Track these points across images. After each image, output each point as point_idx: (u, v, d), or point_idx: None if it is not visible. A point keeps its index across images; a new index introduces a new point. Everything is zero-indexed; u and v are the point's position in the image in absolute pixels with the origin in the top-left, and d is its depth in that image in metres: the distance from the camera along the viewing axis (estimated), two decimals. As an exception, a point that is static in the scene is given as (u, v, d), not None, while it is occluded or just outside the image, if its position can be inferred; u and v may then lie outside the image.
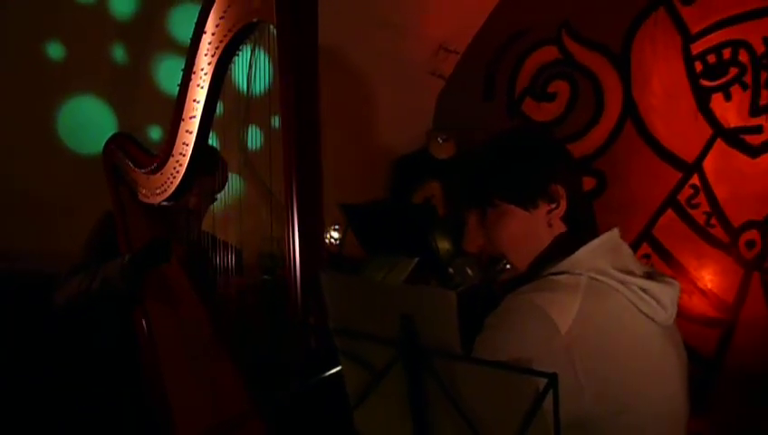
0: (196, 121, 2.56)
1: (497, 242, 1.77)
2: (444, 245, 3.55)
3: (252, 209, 3.55)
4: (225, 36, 2.42)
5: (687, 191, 4.47)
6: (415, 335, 1.34)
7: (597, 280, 1.64)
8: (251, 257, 3.38)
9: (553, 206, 1.74)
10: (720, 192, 4.37)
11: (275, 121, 2.38)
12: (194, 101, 2.55)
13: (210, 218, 3.09)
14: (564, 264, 1.67)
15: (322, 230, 2.41)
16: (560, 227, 1.76)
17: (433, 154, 5.04)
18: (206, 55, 2.49)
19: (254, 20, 2.26)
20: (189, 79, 2.56)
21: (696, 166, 4.43)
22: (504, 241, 1.77)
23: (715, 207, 4.38)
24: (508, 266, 1.77)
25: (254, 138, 3.32)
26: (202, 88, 2.53)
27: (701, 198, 4.43)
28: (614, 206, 4.62)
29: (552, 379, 1.23)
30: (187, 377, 2.56)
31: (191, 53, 2.53)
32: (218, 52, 2.45)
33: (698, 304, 4.38)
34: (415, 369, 1.37)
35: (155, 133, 3.97)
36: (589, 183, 4.72)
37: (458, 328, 1.31)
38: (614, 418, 1.60)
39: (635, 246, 4.56)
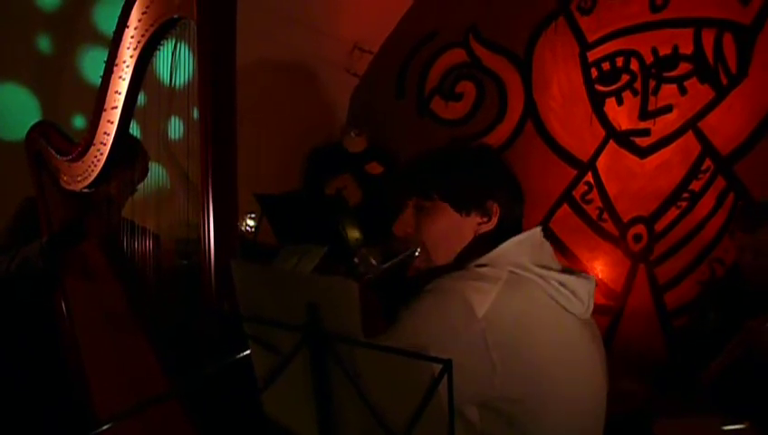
0: (118, 112, 2.52)
1: (424, 233, 1.78)
2: (353, 234, 3.56)
3: (171, 196, 3.50)
4: (146, 31, 2.39)
5: (582, 188, 4.57)
6: (319, 322, 1.35)
7: (516, 274, 1.66)
8: (169, 243, 3.33)
9: (485, 220, 1.76)
10: (611, 189, 4.48)
11: (195, 113, 2.36)
12: (116, 92, 2.51)
13: (131, 205, 3.04)
14: (487, 257, 1.70)
15: (236, 217, 2.39)
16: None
17: (346, 148, 5.05)
18: (128, 48, 2.45)
19: (176, 16, 2.23)
20: (111, 71, 2.52)
21: (590, 165, 4.53)
22: (430, 234, 1.78)
23: (607, 203, 4.49)
24: (416, 254, 1.78)
25: (174, 128, 3.27)
26: (124, 80, 2.49)
27: (594, 194, 4.53)
28: (514, 200, 4.68)
29: (447, 365, 1.23)
30: (104, 354, 2.51)
31: (114, 45, 2.49)
32: (140, 45, 2.41)
33: (590, 293, 4.47)
34: (319, 354, 1.37)
35: (78, 122, 3.88)
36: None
37: (360, 316, 1.31)
38: (527, 402, 1.62)
39: (533, 238, 4.63)
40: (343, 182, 4.98)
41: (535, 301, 1.66)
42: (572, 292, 1.69)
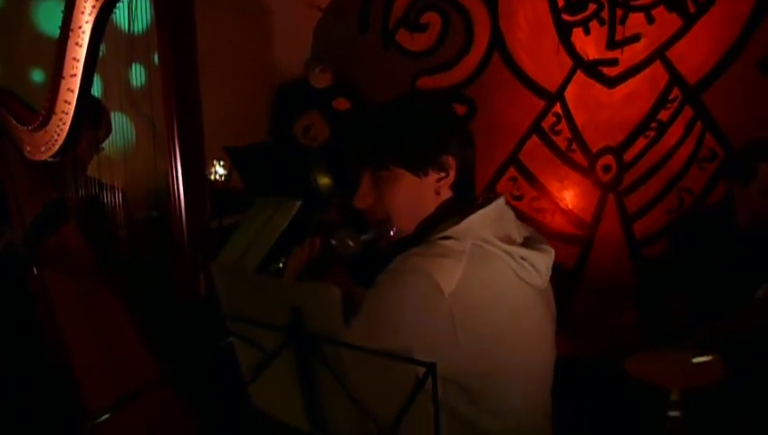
0: (77, 79, 2.44)
1: (386, 204, 1.76)
2: (324, 181, 3.52)
3: (137, 146, 3.44)
4: (102, -6, 2.30)
5: (550, 119, 4.55)
6: (303, 324, 1.35)
7: (480, 246, 1.66)
8: (139, 194, 3.28)
9: (443, 175, 1.73)
10: (580, 120, 4.46)
11: (156, 58, 2.29)
12: (73, 59, 2.42)
13: (96, 158, 2.99)
14: (452, 230, 1.68)
15: (204, 163, 2.36)
16: (446, 194, 1.76)
17: (312, 84, 4.95)
18: (83, 14, 2.36)
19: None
20: (67, 37, 2.42)
21: (558, 95, 4.50)
22: (392, 204, 1.75)
23: (576, 134, 4.48)
24: (392, 233, 1.76)
25: (136, 75, 3.20)
26: (81, 46, 2.40)
27: (563, 125, 4.51)
28: (483, 131, 4.63)
29: (431, 368, 1.25)
30: (86, 336, 2.48)
31: (67, 10, 2.39)
32: (95, 10, 2.33)
33: (560, 223, 4.51)
34: (304, 353, 1.38)
35: (37, 76, 3.76)
36: (459, 110, 4.74)
37: (343, 318, 1.32)
38: (487, 377, 1.65)
39: (502, 170, 4.65)
40: (311, 119, 4.90)
41: (498, 275, 1.67)
42: (532, 265, 1.71)
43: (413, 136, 1.73)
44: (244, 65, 4.78)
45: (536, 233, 1.84)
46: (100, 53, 2.48)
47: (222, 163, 4.00)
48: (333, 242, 1.80)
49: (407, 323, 1.58)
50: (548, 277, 1.78)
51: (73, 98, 2.46)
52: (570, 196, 4.53)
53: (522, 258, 1.70)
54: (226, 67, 4.34)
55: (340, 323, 1.32)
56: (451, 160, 1.73)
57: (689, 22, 4.06)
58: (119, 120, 2.97)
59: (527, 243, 1.75)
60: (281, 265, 1.87)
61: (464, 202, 1.77)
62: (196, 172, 2.24)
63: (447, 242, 1.67)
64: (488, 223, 1.71)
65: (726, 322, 3.10)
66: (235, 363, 1.54)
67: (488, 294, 1.65)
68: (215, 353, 1.51)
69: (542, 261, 1.74)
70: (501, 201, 1.78)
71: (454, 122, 1.82)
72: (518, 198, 4.62)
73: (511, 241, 1.71)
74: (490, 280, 1.66)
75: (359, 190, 1.79)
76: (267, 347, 1.42)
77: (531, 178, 4.62)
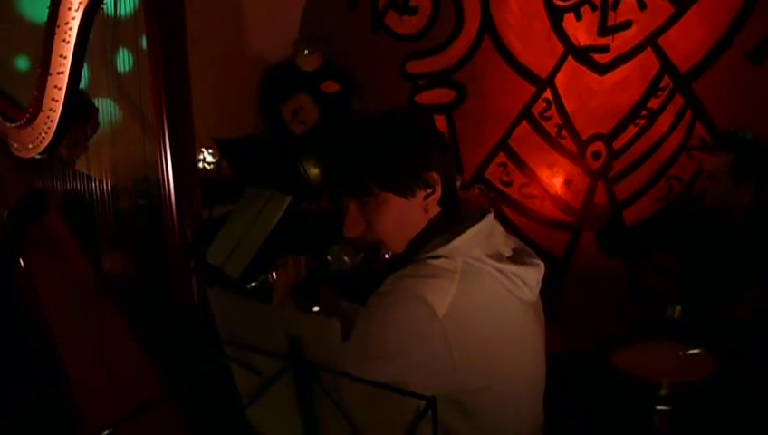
0: (65, 76, 2.38)
1: (376, 229, 1.73)
2: (314, 171, 3.48)
3: (125, 134, 3.38)
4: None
5: (541, 105, 4.51)
6: (302, 353, 1.33)
7: (471, 265, 1.65)
8: (127, 182, 3.24)
9: (429, 191, 1.71)
10: (570, 106, 4.43)
11: (144, 42, 2.24)
12: (60, 56, 2.36)
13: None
14: (443, 249, 1.67)
15: (194, 148, 2.32)
16: (435, 210, 1.74)
17: (300, 66, 4.89)
18: (69, 9, 2.30)
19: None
20: (53, 33, 2.36)
21: (549, 81, 4.46)
22: (382, 228, 1.73)
23: (566, 120, 4.44)
24: (387, 256, 1.74)
25: (123, 60, 3.14)
26: (68, 43, 2.34)
27: (553, 111, 4.48)
28: (473, 116, 4.64)
29: (431, 402, 1.23)
30: (73, 328, 2.45)
31: (53, 5, 2.33)
32: (82, 6, 2.26)
33: (549, 209, 4.49)
34: (303, 380, 1.36)
35: (22, 63, 3.69)
36: (449, 95, 4.73)
37: (342, 350, 1.30)
38: (481, 393, 1.65)
39: (492, 155, 4.63)
40: (299, 102, 4.85)
41: (490, 293, 1.67)
42: (523, 281, 1.71)
43: (395, 159, 1.70)
44: (233, 46, 4.72)
45: (523, 245, 1.83)
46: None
47: (210, 151, 3.95)
48: (329, 258, 1.78)
49: (401, 347, 1.58)
50: (537, 291, 1.78)
51: (61, 95, 2.40)
52: (559, 182, 4.50)
53: (513, 274, 1.70)
54: (214, 50, 4.28)
55: (339, 353, 1.30)
56: (436, 176, 1.71)
57: (681, 9, 4.00)
58: (106, 107, 2.92)
59: (516, 256, 1.75)
60: (269, 278, 1.84)
61: (452, 215, 1.75)
62: (185, 160, 2.20)
63: (438, 261, 1.66)
64: (478, 241, 1.70)
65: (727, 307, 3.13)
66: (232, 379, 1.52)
67: (481, 312, 1.65)
68: (212, 369, 1.49)
69: (532, 275, 1.74)
70: (490, 217, 1.77)
71: (432, 136, 1.78)
72: (507, 184, 4.60)
73: (501, 258, 1.71)
74: (482, 298, 1.66)
75: (347, 220, 1.76)
76: (265, 372, 1.40)
77: (520, 164, 4.59)
